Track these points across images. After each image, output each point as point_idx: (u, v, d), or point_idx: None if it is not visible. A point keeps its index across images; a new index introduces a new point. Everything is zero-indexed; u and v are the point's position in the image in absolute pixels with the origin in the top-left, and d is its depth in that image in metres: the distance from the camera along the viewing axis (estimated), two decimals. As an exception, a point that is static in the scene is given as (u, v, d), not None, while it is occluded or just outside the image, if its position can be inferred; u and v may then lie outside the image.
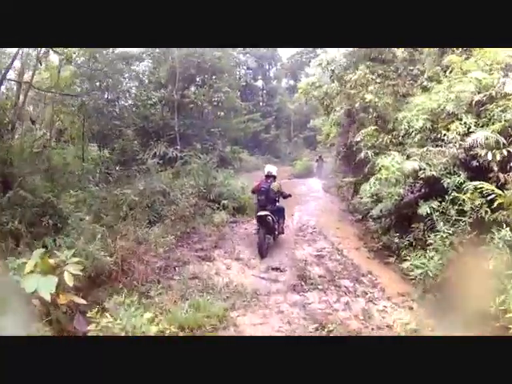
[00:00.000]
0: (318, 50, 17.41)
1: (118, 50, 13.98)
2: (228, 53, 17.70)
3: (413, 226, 7.31)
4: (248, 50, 31.38)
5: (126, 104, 15.19)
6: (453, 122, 7.18)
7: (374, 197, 8.42)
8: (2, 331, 3.58)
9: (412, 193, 7.48)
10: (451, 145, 6.94)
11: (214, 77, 16.57)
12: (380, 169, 7.70)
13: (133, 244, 7.15)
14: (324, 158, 22.08)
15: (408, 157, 7.65)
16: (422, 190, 7.37)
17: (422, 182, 7.34)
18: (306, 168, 23.56)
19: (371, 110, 10.25)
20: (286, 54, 36.24)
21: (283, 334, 5.24)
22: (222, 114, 17.29)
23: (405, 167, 7.15)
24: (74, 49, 12.05)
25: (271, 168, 9.13)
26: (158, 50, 16.19)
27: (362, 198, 9.80)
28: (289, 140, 32.97)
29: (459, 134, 6.89)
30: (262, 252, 8.19)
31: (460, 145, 6.85)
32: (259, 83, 35.21)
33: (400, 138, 8.66)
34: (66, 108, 12.68)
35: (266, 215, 8.29)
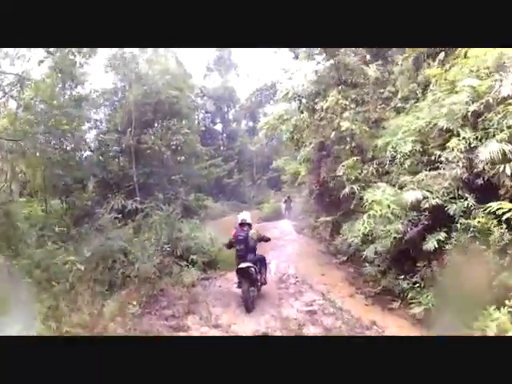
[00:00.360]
0: (278, 85, 16.97)
1: (74, 94, 13.05)
2: (185, 95, 16.99)
3: (418, 264, 6.40)
4: (205, 91, 31.05)
5: (85, 154, 14.11)
6: (447, 139, 6.43)
7: (369, 237, 7.34)
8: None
9: (416, 226, 6.49)
10: (454, 165, 6.11)
11: (172, 120, 15.65)
12: (371, 204, 6.80)
13: (86, 321, 5.87)
14: (292, 197, 21.26)
15: (401, 187, 6.78)
16: (425, 222, 6.40)
17: (425, 213, 6.39)
18: (274, 210, 22.74)
19: (348, 139, 9.40)
20: (244, 94, 36.29)
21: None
22: (183, 158, 16.33)
23: (405, 198, 6.26)
24: (32, 94, 11.22)
25: (245, 215, 8.41)
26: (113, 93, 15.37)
27: (346, 239, 8.80)
28: (253, 183, 32.51)
29: (461, 152, 6.09)
30: (248, 306, 7.41)
31: (463, 163, 6.06)
32: (218, 127, 35.01)
33: (386, 166, 7.82)
34: (24, 159, 11.58)
35: (249, 267, 7.52)
